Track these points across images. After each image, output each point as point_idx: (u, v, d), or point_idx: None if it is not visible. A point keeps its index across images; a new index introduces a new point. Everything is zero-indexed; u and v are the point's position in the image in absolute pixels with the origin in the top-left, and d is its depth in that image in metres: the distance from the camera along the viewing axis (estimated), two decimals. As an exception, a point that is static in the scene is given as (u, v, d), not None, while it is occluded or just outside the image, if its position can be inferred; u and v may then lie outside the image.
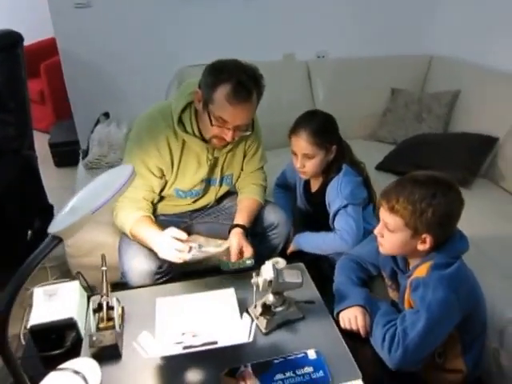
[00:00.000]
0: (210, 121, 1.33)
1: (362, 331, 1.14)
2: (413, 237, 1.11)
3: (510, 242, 1.63)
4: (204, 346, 0.97)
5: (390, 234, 1.14)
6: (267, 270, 1.11)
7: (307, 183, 1.75)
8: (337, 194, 1.56)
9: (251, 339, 0.98)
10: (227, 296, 1.22)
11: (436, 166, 1.96)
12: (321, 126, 1.54)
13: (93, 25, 2.37)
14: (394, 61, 2.71)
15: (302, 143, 1.53)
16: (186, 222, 1.71)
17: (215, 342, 0.98)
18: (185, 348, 0.96)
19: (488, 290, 1.20)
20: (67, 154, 3.14)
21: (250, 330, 0.99)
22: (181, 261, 1.26)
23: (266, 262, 1.15)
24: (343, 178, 1.57)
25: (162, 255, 1.29)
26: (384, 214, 1.14)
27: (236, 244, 1.39)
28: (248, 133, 1.44)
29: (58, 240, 0.77)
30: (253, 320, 1.01)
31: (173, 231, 1.29)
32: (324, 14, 2.63)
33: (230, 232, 1.47)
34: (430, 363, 1.16)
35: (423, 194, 1.07)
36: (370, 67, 2.66)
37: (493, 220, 1.72)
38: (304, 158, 1.55)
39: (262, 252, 1.62)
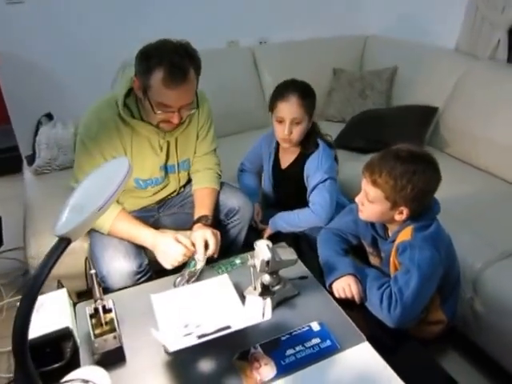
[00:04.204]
0: (153, 108, 1.30)
1: (356, 298, 1.19)
2: (391, 208, 1.18)
3: (464, 200, 1.78)
4: (218, 332, 0.96)
5: (370, 204, 1.21)
6: (262, 251, 1.12)
7: (276, 160, 1.77)
8: (317, 168, 1.60)
9: (269, 317, 0.98)
10: (223, 282, 1.21)
11: (386, 138, 2.07)
12: (307, 89, 1.58)
13: (27, 21, 2.22)
14: (332, 42, 2.81)
15: (293, 107, 1.53)
16: (153, 216, 1.68)
17: (228, 327, 0.97)
18: (200, 337, 0.94)
19: (457, 245, 1.30)
20: (2, 162, 2.88)
21: (264, 309, 0.99)
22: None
23: (258, 244, 1.15)
24: (323, 153, 1.61)
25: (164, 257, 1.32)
26: (366, 185, 1.20)
27: (200, 240, 1.35)
28: (193, 111, 1.40)
29: (66, 242, 0.73)
30: (265, 298, 1.01)
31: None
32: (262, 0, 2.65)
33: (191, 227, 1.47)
34: (415, 319, 1.24)
35: (404, 171, 1.12)
36: (310, 50, 2.73)
37: (446, 183, 1.85)
38: (292, 124, 1.55)
39: (227, 238, 1.64)
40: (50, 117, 2.23)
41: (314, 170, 1.60)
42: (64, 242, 0.72)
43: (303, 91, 1.55)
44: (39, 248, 1.61)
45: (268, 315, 0.98)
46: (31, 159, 2.06)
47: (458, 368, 1.03)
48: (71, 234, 0.72)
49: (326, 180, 1.58)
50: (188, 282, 1.28)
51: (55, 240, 1.66)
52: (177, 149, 1.52)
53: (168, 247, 1.31)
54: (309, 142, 1.63)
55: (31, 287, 0.69)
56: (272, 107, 1.59)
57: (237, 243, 1.65)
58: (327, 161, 1.60)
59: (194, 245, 1.34)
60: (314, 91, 1.60)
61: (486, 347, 1.47)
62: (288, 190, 1.74)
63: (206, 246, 1.35)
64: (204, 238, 1.36)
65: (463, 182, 1.92)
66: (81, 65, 2.39)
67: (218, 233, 1.42)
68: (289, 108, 1.54)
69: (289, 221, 1.66)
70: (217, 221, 1.61)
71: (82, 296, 1.26)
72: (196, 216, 1.49)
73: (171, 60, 1.23)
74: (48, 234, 1.63)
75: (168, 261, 1.31)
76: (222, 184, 1.65)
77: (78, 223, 0.72)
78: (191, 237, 1.39)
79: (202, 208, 1.50)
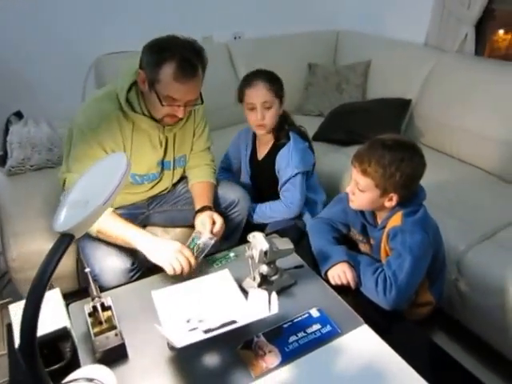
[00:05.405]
0: (160, 101, 1.29)
1: (352, 284, 1.22)
2: (381, 196, 1.22)
3: (442, 186, 1.84)
4: (224, 326, 0.95)
5: (361, 193, 1.24)
6: (260, 242, 1.13)
7: (254, 151, 1.79)
8: (288, 163, 1.64)
9: (276, 311, 0.98)
10: (223, 277, 1.21)
11: (365, 130, 2.13)
12: (273, 75, 1.62)
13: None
14: (305, 37, 2.84)
15: (261, 91, 1.57)
16: (144, 213, 1.66)
17: (234, 322, 0.96)
18: (206, 332, 0.93)
19: (441, 229, 1.34)
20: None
21: (270, 303, 0.99)
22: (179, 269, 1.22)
23: (254, 235, 1.16)
24: (294, 147, 1.64)
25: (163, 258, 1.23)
26: (356, 175, 1.23)
27: (208, 219, 1.38)
28: (197, 106, 1.43)
29: (69, 238, 0.71)
30: (270, 292, 1.01)
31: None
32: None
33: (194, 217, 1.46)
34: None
35: (392, 159, 1.17)
36: (285, 45, 2.75)
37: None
38: (263, 109, 1.58)
39: (226, 230, 1.61)
40: (19, 115, 2.14)
41: (285, 165, 1.64)
42: (67, 238, 0.70)
43: (269, 76, 1.60)
44: (20, 249, 1.55)
45: (275, 309, 0.98)
46: (2, 160, 1.99)
47: (446, 347, 1.07)
48: (75, 230, 0.70)
49: (296, 175, 1.63)
50: (197, 258, 1.26)
51: (32, 241, 1.61)
52: (174, 145, 1.52)
53: (167, 255, 1.23)
54: (281, 132, 1.67)
55: (37, 285, 0.67)
56: (241, 97, 1.62)
57: (235, 235, 1.68)
58: (297, 154, 1.63)
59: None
60: (279, 77, 1.65)
61: (470, 325, 1.55)
62: (265, 180, 1.78)
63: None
64: (211, 216, 1.38)
65: (439, 170, 1.98)
66: (50, 62, 2.30)
67: (223, 219, 1.44)
68: (257, 93, 1.58)
69: (260, 214, 1.71)
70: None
71: (67, 297, 1.22)
72: (198, 207, 1.48)
73: (182, 54, 1.24)
74: (28, 235, 1.58)
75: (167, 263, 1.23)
76: (216, 180, 1.67)
77: (83, 218, 0.70)
78: (196, 220, 1.41)
79: (203, 199, 1.51)
